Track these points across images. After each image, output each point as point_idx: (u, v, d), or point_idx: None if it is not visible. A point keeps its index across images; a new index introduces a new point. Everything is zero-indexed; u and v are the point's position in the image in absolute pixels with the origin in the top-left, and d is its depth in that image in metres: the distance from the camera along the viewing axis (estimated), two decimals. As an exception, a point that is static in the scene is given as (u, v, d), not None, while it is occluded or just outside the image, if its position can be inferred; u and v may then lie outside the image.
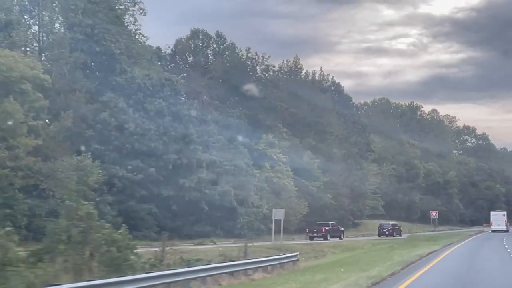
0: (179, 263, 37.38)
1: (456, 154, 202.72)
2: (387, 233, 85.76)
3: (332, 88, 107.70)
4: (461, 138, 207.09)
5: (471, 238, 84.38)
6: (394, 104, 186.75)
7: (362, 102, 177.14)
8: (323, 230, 72.53)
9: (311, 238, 71.99)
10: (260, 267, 33.30)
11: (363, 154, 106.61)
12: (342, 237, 75.28)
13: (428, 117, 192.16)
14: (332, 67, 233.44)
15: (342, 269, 29.48)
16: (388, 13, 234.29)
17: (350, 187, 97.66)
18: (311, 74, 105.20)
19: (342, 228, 78.33)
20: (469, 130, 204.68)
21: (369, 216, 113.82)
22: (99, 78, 64.51)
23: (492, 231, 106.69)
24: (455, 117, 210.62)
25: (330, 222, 77.05)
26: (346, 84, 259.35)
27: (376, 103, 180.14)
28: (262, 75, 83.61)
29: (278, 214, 59.01)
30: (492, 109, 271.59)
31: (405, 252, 45.47)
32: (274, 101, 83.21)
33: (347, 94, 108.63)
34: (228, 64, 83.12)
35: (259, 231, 71.70)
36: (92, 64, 63.56)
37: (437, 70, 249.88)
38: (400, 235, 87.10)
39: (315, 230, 73.18)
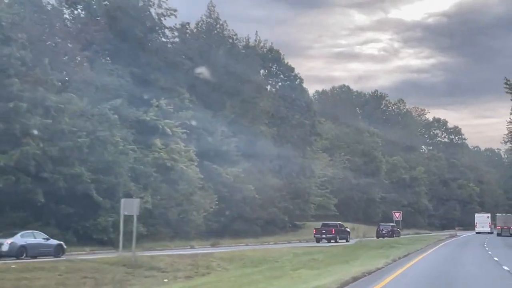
0: None
1: (426, 150, 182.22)
2: (386, 234, 79.47)
3: (270, 56, 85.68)
4: (431, 133, 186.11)
5: (440, 245, 62.84)
6: (356, 93, 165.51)
7: (320, 90, 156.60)
8: (333, 232, 64.91)
9: (318, 240, 63.88)
10: None
11: (307, 138, 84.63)
12: (348, 239, 67.16)
13: (394, 107, 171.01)
14: (303, 72, 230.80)
15: None
16: (359, 18, 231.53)
17: (287, 179, 75.65)
18: (244, 40, 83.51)
19: (349, 230, 71.04)
20: (439, 123, 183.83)
21: (316, 217, 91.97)
22: None
23: (476, 233, 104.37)
24: (424, 110, 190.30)
25: (338, 223, 70.36)
26: (318, 89, 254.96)
27: (335, 91, 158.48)
28: (158, 22, 60.86)
29: (128, 206, 36.55)
30: (462, 114, 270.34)
31: (312, 274, 23.58)
32: (175, 58, 60.81)
33: (289, 65, 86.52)
34: (116, 8, 60.42)
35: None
36: None
37: (408, 75, 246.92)
38: (399, 237, 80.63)
39: (323, 231, 65.36)
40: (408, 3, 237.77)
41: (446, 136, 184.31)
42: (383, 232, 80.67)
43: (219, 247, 52.38)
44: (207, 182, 59.85)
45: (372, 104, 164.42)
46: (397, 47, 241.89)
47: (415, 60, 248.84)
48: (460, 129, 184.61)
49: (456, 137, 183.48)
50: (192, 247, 52.38)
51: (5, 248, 35.23)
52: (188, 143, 57.90)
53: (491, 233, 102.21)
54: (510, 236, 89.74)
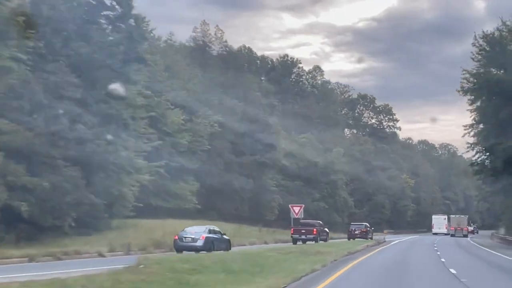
0: None
1: (349, 134, 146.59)
2: (359, 235, 69.58)
3: None
4: (356, 113, 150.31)
5: (339, 275, 25.03)
6: (260, 58, 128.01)
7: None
8: (315, 232, 56.28)
9: (295, 242, 54.62)
10: None
11: (120, 67, 45.99)
12: (327, 240, 59.56)
13: (308, 77, 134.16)
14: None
15: None
16: (290, 21, 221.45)
17: (60, 136, 37.01)
18: None
19: (327, 230, 62.47)
20: (365, 100, 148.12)
21: (145, 211, 54.20)
22: None
23: (433, 234, 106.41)
24: (347, 87, 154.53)
25: (317, 221, 62.58)
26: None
27: (232, 55, 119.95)
28: None
29: None
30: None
31: None
32: None
33: None
34: None
35: None
36: None
37: (339, 79, 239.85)
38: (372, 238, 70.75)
39: (302, 231, 56.45)
40: (339, 7, 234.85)
41: (374, 117, 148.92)
42: (356, 232, 71.09)
43: None
44: None
45: (279, 71, 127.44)
46: (328, 51, 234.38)
47: (346, 64, 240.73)
48: (391, 107, 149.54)
49: (386, 118, 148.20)
50: None
51: (200, 243, 36.26)
52: None
53: (447, 234, 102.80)
54: (463, 237, 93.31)
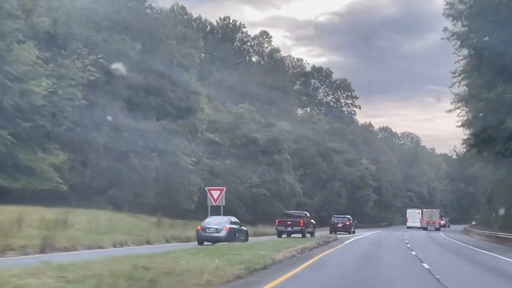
0: None
1: (302, 113, 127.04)
2: (341, 229, 66.92)
3: None
4: (310, 89, 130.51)
5: None
6: (199, 20, 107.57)
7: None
8: (302, 223, 50.70)
9: (280, 235, 50.19)
10: None
11: None
12: (314, 234, 52.69)
13: (253, 43, 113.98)
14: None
15: None
16: (251, 13, 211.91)
17: None
18: None
19: (314, 222, 55.99)
20: (320, 74, 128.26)
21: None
22: None
23: (408, 227, 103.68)
24: (301, 60, 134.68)
25: (304, 212, 56.98)
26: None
27: (163, 13, 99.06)
28: None
29: None
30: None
31: None
32: None
33: None
34: None
35: None
36: None
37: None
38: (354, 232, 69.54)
39: (288, 223, 50.97)
40: (300, 0, 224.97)
41: (331, 93, 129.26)
42: (339, 225, 67.22)
43: None
44: None
45: (219, 36, 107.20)
46: (290, 45, 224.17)
47: (307, 58, 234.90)
48: (350, 83, 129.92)
49: (344, 94, 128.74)
50: None
51: (223, 233, 36.27)
52: None
53: (421, 228, 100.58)
54: (435, 230, 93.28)
